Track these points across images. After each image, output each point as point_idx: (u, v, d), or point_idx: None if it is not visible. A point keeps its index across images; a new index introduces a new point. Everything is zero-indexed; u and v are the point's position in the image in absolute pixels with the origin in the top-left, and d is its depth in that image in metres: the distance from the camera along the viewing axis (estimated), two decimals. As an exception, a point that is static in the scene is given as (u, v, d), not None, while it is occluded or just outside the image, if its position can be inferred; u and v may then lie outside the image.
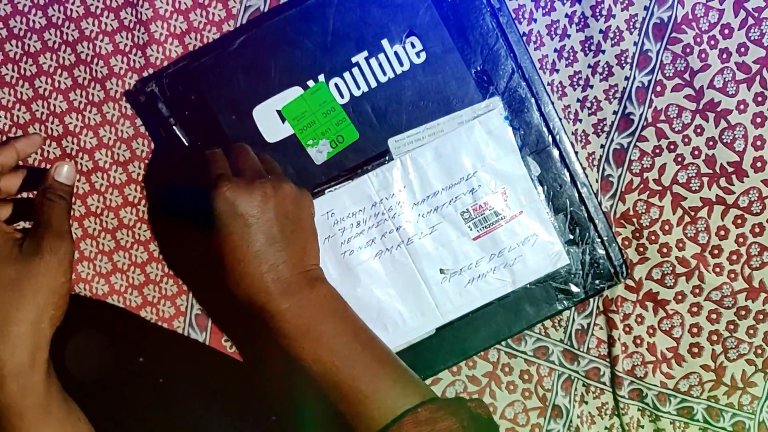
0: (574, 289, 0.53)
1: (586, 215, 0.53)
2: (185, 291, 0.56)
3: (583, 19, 0.54)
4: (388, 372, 0.46)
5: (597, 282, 0.53)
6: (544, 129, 0.52)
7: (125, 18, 0.53)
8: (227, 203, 0.44)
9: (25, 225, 0.52)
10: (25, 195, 0.53)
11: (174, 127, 0.51)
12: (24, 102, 0.54)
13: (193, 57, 0.53)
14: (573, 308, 0.58)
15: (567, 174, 0.52)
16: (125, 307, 0.56)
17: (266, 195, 0.45)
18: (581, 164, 0.53)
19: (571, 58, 0.55)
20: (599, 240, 0.53)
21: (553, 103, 0.52)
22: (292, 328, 0.45)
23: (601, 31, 0.54)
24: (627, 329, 0.58)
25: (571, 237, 0.53)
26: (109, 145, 0.55)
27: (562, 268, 0.53)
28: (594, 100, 0.55)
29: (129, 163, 0.55)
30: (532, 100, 0.52)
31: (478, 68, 0.52)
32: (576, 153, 0.53)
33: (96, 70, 0.54)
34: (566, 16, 0.54)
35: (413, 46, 0.51)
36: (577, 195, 0.53)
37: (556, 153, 0.52)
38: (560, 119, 0.52)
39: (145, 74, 0.54)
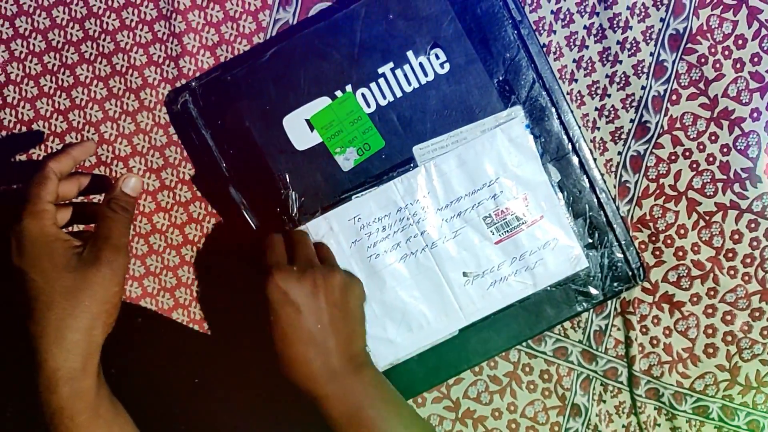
0: (593, 291, 0.55)
1: (604, 220, 0.54)
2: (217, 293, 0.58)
3: (601, 31, 0.56)
4: None
5: (615, 284, 0.55)
6: (564, 137, 0.54)
7: (159, 30, 0.55)
8: (279, 291, 0.47)
9: (81, 228, 0.54)
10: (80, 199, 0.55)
11: (207, 138, 0.53)
12: (61, 112, 0.56)
13: (225, 68, 0.54)
14: (591, 310, 0.59)
15: (586, 180, 0.54)
16: (157, 309, 0.58)
17: (316, 285, 0.48)
18: (599, 171, 0.54)
19: (590, 68, 0.57)
20: (617, 244, 0.55)
21: (572, 111, 0.54)
22: (338, 412, 0.47)
23: (618, 42, 0.56)
24: (644, 330, 0.59)
25: (590, 241, 0.55)
26: (143, 153, 0.57)
27: (582, 271, 0.55)
28: (612, 109, 0.57)
29: (162, 170, 0.57)
30: (552, 109, 0.53)
31: (500, 78, 0.53)
32: (594, 160, 0.54)
33: (131, 81, 0.56)
34: (585, 27, 0.56)
35: (437, 57, 0.53)
36: (595, 200, 0.54)
37: (575, 160, 0.54)
38: (579, 127, 0.54)
39: (178, 84, 0.56)
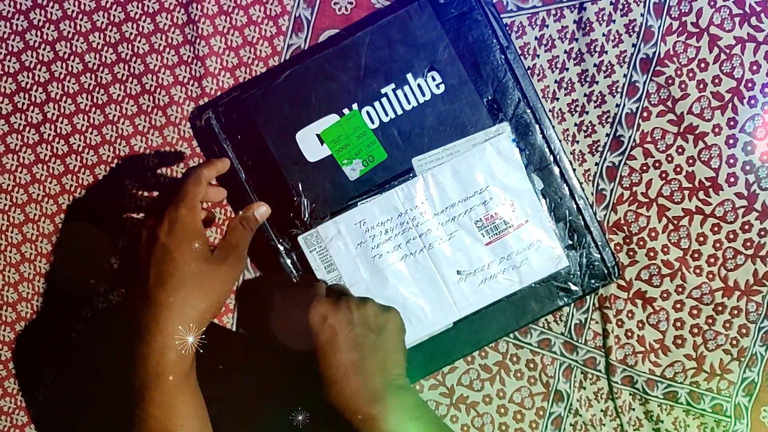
0: (573, 287, 0.61)
1: (583, 224, 0.61)
2: (233, 291, 0.64)
3: (579, 55, 0.62)
4: None
5: (593, 281, 0.61)
6: (546, 150, 0.60)
7: (184, 54, 0.61)
8: (318, 317, 0.53)
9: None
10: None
11: (228, 151, 0.59)
12: (96, 126, 0.62)
13: (244, 88, 0.61)
14: (572, 305, 0.65)
15: (566, 188, 0.60)
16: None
17: (350, 309, 0.54)
18: (578, 180, 0.61)
19: (569, 88, 0.63)
20: (594, 245, 0.61)
21: (553, 127, 0.60)
22: None
23: (595, 65, 0.62)
24: (619, 323, 0.66)
25: (570, 242, 0.61)
26: (169, 164, 0.63)
27: (563, 269, 0.61)
28: (589, 124, 0.63)
29: (186, 179, 0.63)
30: (536, 125, 0.60)
31: (489, 98, 0.60)
32: (574, 170, 0.61)
33: (158, 99, 0.62)
34: (565, 52, 0.62)
35: (434, 79, 0.59)
36: (575, 206, 0.60)
37: (556, 170, 0.60)
38: (560, 141, 0.60)
39: (201, 102, 0.62)
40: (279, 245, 0.60)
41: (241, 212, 0.55)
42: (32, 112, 0.62)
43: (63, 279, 0.64)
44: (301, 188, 0.60)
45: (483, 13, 0.58)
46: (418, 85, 0.59)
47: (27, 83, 0.61)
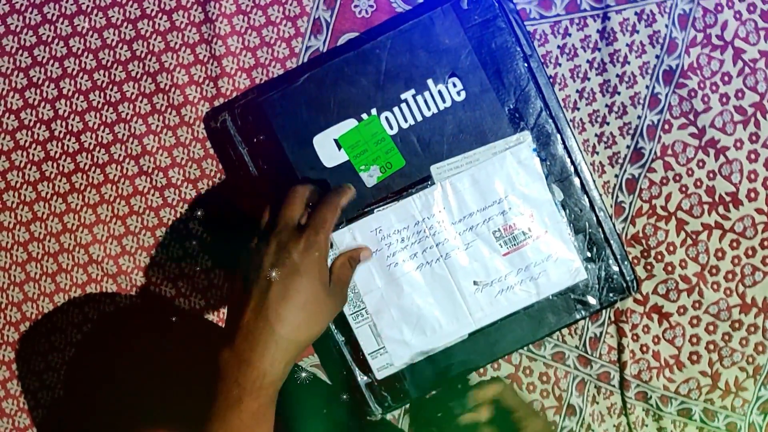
0: (591, 300, 0.60)
1: (602, 236, 0.60)
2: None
3: (602, 65, 0.62)
4: None
5: (611, 295, 0.60)
6: (567, 160, 0.59)
7: (200, 53, 0.60)
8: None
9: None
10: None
11: (243, 154, 0.58)
12: (108, 124, 0.61)
13: (261, 91, 0.60)
14: (587, 318, 0.64)
15: (586, 200, 0.60)
16: (190, 308, 0.63)
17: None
18: (599, 191, 0.60)
19: (591, 98, 0.62)
20: (613, 258, 0.60)
21: (575, 137, 0.59)
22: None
23: (617, 76, 0.62)
24: (635, 338, 0.65)
25: (589, 255, 0.60)
26: (182, 165, 0.62)
27: (581, 282, 0.60)
28: (610, 136, 0.63)
29: (199, 180, 0.62)
30: (557, 135, 0.59)
31: (511, 106, 0.59)
32: (594, 181, 0.60)
33: (173, 98, 0.61)
34: (587, 61, 0.62)
35: (455, 85, 0.58)
36: (594, 218, 0.60)
37: (577, 181, 0.59)
38: (581, 152, 0.59)
39: (216, 103, 0.61)
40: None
41: (347, 251, 0.57)
42: (43, 108, 0.60)
43: (69, 279, 0.62)
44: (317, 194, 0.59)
45: (507, 21, 0.58)
46: (439, 92, 0.58)
47: (39, 78, 0.60)
